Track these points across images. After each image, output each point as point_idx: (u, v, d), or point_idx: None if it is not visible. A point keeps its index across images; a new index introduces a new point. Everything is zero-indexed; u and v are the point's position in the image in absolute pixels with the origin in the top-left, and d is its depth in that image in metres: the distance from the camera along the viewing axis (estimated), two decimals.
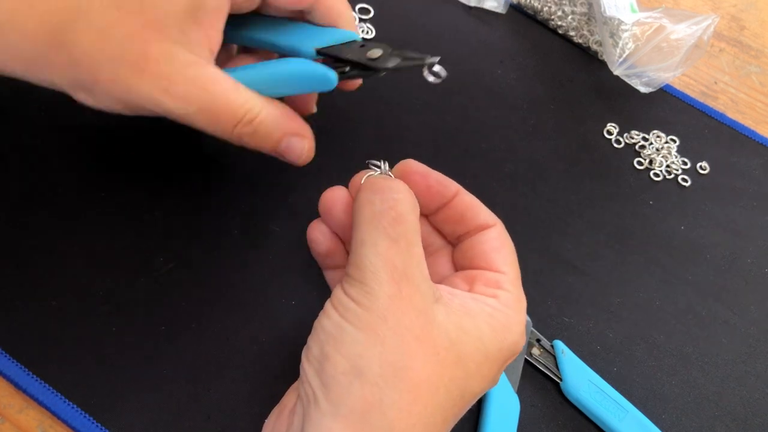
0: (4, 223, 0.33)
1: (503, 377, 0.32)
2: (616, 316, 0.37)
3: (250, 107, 0.28)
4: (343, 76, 0.28)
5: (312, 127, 0.41)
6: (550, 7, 0.49)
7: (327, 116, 0.41)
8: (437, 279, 0.29)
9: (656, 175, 0.43)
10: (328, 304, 0.25)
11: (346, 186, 0.29)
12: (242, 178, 0.37)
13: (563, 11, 0.49)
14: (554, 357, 0.34)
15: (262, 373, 0.31)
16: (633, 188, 0.42)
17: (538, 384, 0.34)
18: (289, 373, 0.32)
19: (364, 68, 0.28)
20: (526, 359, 0.34)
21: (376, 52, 0.28)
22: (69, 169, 0.36)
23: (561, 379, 0.33)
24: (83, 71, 0.27)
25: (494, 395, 0.32)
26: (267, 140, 0.30)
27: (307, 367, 0.24)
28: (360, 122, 0.41)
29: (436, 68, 0.27)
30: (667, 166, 0.43)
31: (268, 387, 0.31)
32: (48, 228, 0.34)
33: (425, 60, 0.27)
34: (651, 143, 0.44)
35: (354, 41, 0.29)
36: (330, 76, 0.27)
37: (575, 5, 0.49)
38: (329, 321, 0.24)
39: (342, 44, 0.29)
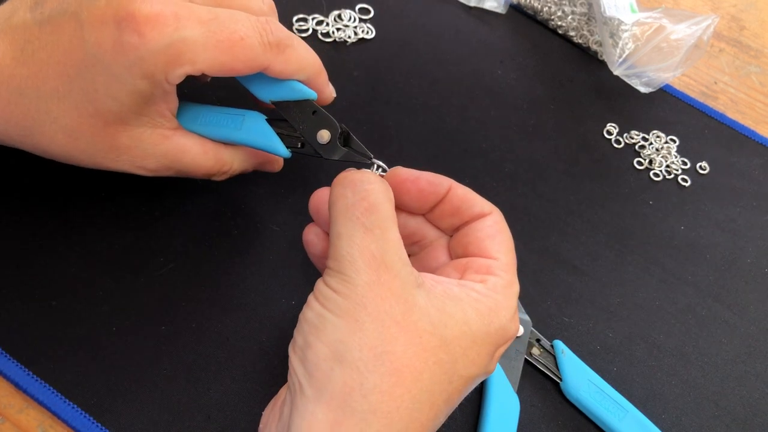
0: (4, 224, 0.33)
1: (503, 377, 0.32)
2: (616, 316, 0.37)
3: (222, 165, 0.32)
4: (296, 150, 0.31)
5: None
6: (550, 7, 0.49)
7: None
8: (431, 269, 0.29)
9: (656, 175, 0.43)
10: (310, 296, 0.25)
11: None
12: (242, 178, 0.37)
13: (563, 11, 0.49)
14: (554, 357, 0.34)
15: (262, 373, 0.31)
16: (633, 188, 0.42)
17: (538, 384, 0.34)
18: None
19: (314, 150, 0.31)
20: (526, 359, 0.34)
21: (324, 135, 0.30)
22: (69, 169, 0.36)
23: (561, 379, 0.33)
24: (63, 160, 0.31)
25: (494, 395, 0.32)
26: (244, 173, 0.34)
27: (292, 356, 0.25)
28: (360, 122, 0.41)
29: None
30: (667, 166, 0.43)
31: (268, 387, 0.31)
32: (48, 228, 0.34)
33: (369, 160, 0.30)
34: (651, 143, 0.44)
35: (307, 101, 0.31)
36: (283, 153, 0.31)
37: (575, 5, 0.49)
38: (311, 311, 0.25)
39: (295, 102, 0.31)
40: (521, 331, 0.34)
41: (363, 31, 0.45)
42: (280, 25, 0.30)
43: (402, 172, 0.28)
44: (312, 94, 0.31)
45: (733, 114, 0.48)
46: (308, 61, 0.32)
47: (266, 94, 0.31)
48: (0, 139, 0.30)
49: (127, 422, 0.29)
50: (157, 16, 0.26)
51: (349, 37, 0.45)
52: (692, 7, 0.55)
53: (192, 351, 0.31)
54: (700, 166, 0.44)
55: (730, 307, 0.38)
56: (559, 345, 0.34)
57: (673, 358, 0.36)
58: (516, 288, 0.27)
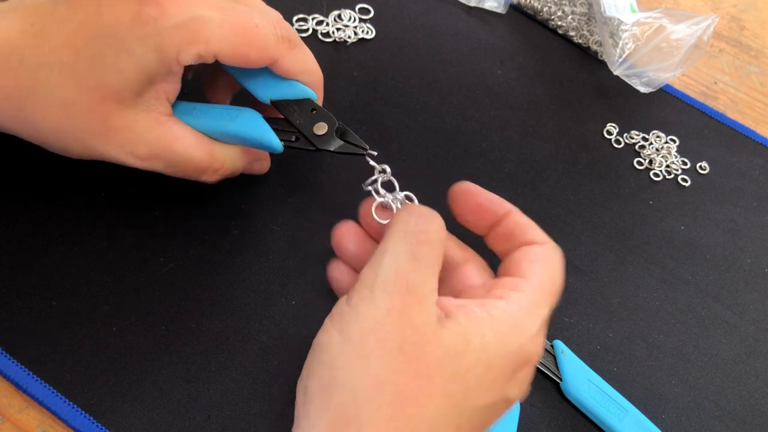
0: (4, 224, 0.33)
1: None
2: (616, 316, 0.37)
3: (213, 161, 0.31)
4: (289, 143, 0.31)
5: None
6: (550, 7, 0.49)
7: None
8: (457, 291, 0.28)
9: (656, 175, 0.43)
10: (326, 319, 0.25)
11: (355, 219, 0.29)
12: (242, 178, 0.37)
13: (563, 11, 0.49)
14: (554, 357, 0.34)
15: (262, 373, 0.31)
16: (633, 188, 0.42)
17: (537, 384, 0.34)
18: (289, 372, 0.32)
19: (308, 142, 0.31)
20: None
21: (321, 128, 0.31)
22: (69, 169, 0.36)
23: (561, 379, 0.33)
24: (52, 140, 0.30)
25: None
26: (233, 174, 0.33)
27: (297, 386, 0.24)
28: (360, 122, 0.41)
29: (387, 168, 0.30)
30: (667, 166, 0.43)
31: (268, 387, 0.31)
32: (48, 228, 0.34)
33: (364, 150, 0.30)
34: (651, 143, 0.44)
35: (307, 100, 0.31)
36: (276, 146, 0.31)
37: (575, 5, 0.49)
38: (324, 334, 0.24)
39: (295, 101, 0.31)
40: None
41: (363, 31, 0.45)
42: (292, 28, 0.31)
43: (466, 184, 0.28)
44: (313, 94, 0.32)
45: (733, 114, 0.48)
46: (314, 65, 0.32)
47: (266, 92, 0.32)
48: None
49: (127, 422, 0.29)
50: None
51: (349, 37, 0.45)
52: (692, 7, 0.55)
53: (192, 351, 0.31)
54: (700, 166, 0.44)
55: (730, 307, 0.38)
56: (559, 345, 0.34)
57: (673, 358, 0.36)
58: (544, 310, 0.25)
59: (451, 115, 0.43)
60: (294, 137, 0.31)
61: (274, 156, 0.38)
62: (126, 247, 0.34)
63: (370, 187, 0.30)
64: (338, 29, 0.45)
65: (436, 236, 0.25)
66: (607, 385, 0.33)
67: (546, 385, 0.34)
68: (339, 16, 0.46)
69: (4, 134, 0.36)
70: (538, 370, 0.34)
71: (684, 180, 0.43)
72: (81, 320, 0.31)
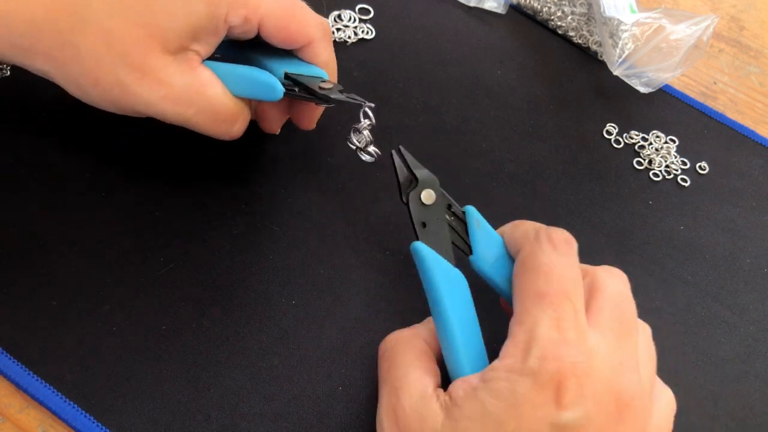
0: (4, 224, 0.33)
1: (440, 259, 0.28)
2: None
3: (237, 111, 0.31)
4: (291, 93, 0.31)
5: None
6: (549, 8, 0.49)
7: (326, 117, 0.41)
8: None
9: (656, 175, 0.43)
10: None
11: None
12: (242, 178, 0.37)
13: (563, 11, 0.49)
14: (464, 224, 0.30)
15: (262, 373, 0.32)
16: (632, 188, 0.42)
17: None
18: (289, 372, 0.32)
19: (310, 92, 0.31)
20: None
21: (327, 84, 0.31)
22: (69, 169, 0.36)
23: (471, 252, 0.30)
24: (85, 70, 0.29)
25: (441, 284, 0.28)
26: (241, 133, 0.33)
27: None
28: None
29: (371, 149, 0.31)
30: (667, 166, 0.43)
31: (268, 387, 0.31)
32: (48, 228, 0.34)
33: (364, 103, 0.31)
34: (650, 143, 0.44)
35: (321, 78, 0.32)
36: (276, 87, 0.30)
37: (575, 5, 0.49)
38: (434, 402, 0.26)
39: (309, 76, 0.32)
40: (433, 195, 0.30)
41: (363, 32, 0.45)
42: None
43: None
44: (325, 75, 0.33)
45: (732, 114, 0.48)
46: (335, 64, 0.35)
47: (283, 67, 0.32)
48: (28, 40, 0.28)
49: (127, 422, 0.29)
50: None
51: (349, 37, 0.45)
52: (692, 7, 0.55)
53: (192, 351, 0.31)
54: (700, 166, 0.44)
55: (730, 307, 0.38)
56: (473, 213, 0.30)
57: (672, 358, 0.36)
58: (527, 365, 0.25)
59: (451, 115, 0.43)
60: (297, 89, 0.31)
61: (274, 156, 0.39)
62: (126, 247, 0.34)
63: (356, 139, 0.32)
64: (338, 29, 0.45)
65: None
66: None
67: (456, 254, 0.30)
68: (339, 16, 0.46)
69: (4, 134, 0.36)
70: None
71: (683, 180, 0.43)
72: (81, 320, 0.31)
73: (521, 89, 0.45)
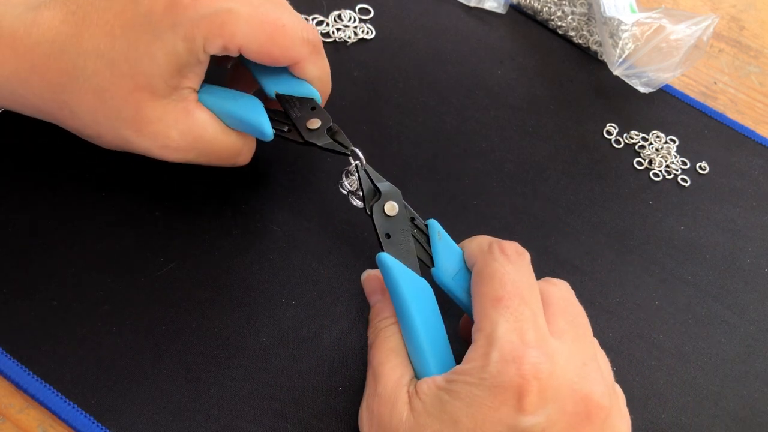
0: (4, 223, 0.33)
1: (405, 269, 0.29)
2: (616, 316, 0.37)
3: (239, 147, 0.32)
4: (280, 135, 0.32)
5: None
6: (549, 8, 0.49)
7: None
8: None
9: (656, 175, 0.43)
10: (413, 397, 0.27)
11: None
12: (242, 178, 0.37)
13: (563, 11, 0.49)
14: (427, 237, 0.31)
15: (263, 373, 0.32)
16: (632, 188, 0.42)
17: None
18: (289, 372, 0.32)
19: (298, 134, 0.32)
20: None
21: (314, 123, 0.32)
22: (69, 169, 0.36)
23: (433, 264, 0.30)
24: (86, 127, 0.31)
25: (407, 292, 0.28)
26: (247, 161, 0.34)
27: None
28: (360, 122, 0.41)
29: (360, 194, 0.31)
30: (667, 166, 0.43)
31: (268, 386, 0.31)
32: (48, 228, 0.34)
33: (348, 149, 0.32)
34: (650, 143, 0.44)
35: (311, 99, 0.33)
36: (265, 132, 0.31)
37: (575, 5, 0.49)
38: (403, 405, 0.27)
39: (299, 98, 0.32)
40: (396, 207, 0.31)
41: (363, 32, 0.45)
42: (318, 33, 0.32)
43: None
44: (317, 95, 0.33)
45: (732, 114, 0.48)
46: (328, 75, 0.34)
47: (274, 86, 0.32)
48: (30, 101, 0.30)
49: (127, 422, 0.29)
50: None
51: (349, 37, 0.45)
52: (692, 7, 0.55)
53: (192, 351, 0.31)
54: (700, 166, 0.44)
55: (730, 307, 0.38)
56: (435, 226, 0.31)
57: (672, 357, 0.36)
58: (494, 350, 0.25)
59: (451, 115, 0.43)
60: (287, 128, 0.32)
61: (275, 156, 0.39)
62: (126, 247, 0.34)
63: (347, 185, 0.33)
64: (338, 29, 0.45)
65: None
66: None
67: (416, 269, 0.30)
68: (339, 16, 0.46)
69: (4, 134, 0.36)
70: None
71: (684, 180, 0.43)
72: (81, 320, 0.31)
73: (521, 89, 0.45)
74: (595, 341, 0.29)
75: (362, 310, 0.34)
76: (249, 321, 0.33)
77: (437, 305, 0.29)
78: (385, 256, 0.29)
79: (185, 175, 0.37)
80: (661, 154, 0.44)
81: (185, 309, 0.33)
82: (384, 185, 0.31)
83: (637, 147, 0.44)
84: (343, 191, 0.33)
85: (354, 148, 0.32)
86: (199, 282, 0.33)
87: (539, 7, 0.49)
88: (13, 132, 0.36)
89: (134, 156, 0.37)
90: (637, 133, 0.45)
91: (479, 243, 0.30)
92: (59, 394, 0.29)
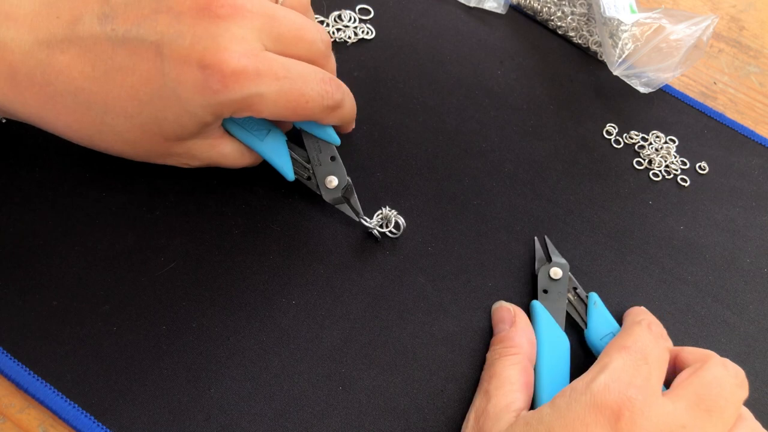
0: (4, 223, 0.33)
1: (549, 317, 0.34)
2: (616, 316, 0.37)
3: (255, 159, 0.35)
4: (301, 179, 0.36)
5: None
6: (549, 8, 0.49)
7: None
8: None
9: (655, 175, 0.43)
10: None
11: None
12: (242, 178, 0.37)
13: (563, 12, 0.49)
14: (585, 306, 0.35)
15: (263, 373, 0.32)
16: (632, 188, 0.42)
17: (566, 329, 0.35)
18: (289, 372, 0.32)
19: (317, 186, 0.35)
20: None
21: (332, 182, 0.35)
22: (69, 169, 0.36)
23: (586, 326, 0.35)
24: (118, 154, 0.33)
25: (544, 335, 0.33)
26: None
27: None
28: (360, 122, 0.41)
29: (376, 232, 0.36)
30: (667, 166, 0.43)
31: (268, 386, 0.31)
32: (48, 228, 0.34)
33: (359, 218, 0.35)
34: (650, 143, 0.44)
35: (332, 146, 0.35)
36: (289, 177, 0.35)
37: (575, 6, 0.49)
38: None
39: (319, 139, 0.35)
40: (560, 273, 0.36)
41: (363, 32, 0.45)
42: (339, 82, 0.33)
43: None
44: (337, 141, 0.35)
45: (732, 114, 0.48)
46: (351, 115, 0.36)
47: (299, 123, 0.35)
48: (56, 132, 0.31)
49: (127, 422, 0.29)
50: (242, 71, 0.28)
51: (349, 37, 0.45)
52: (692, 7, 0.55)
53: (192, 351, 0.31)
54: (700, 166, 0.44)
55: (730, 307, 0.38)
56: (594, 297, 0.36)
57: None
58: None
59: (451, 115, 0.43)
60: (307, 176, 0.36)
61: None
62: (126, 247, 0.34)
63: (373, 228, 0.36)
64: (338, 30, 0.45)
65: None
66: None
67: (570, 330, 0.35)
68: (339, 16, 0.46)
69: (4, 134, 0.36)
70: (568, 314, 0.35)
71: (683, 180, 0.43)
72: (81, 320, 0.31)
73: (521, 89, 0.45)
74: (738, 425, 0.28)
75: (362, 310, 0.34)
76: (249, 321, 0.33)
77: (569, 357, 0.33)
78: (536, 303, 0.35)
79: (186, 176, 0.37)
80: (661, 154, 0.44)
81: (185, 309, 0.33)
82: (558, 259, 0.37)
83: (636, 147, 0.44)
84: (367, 224, 0.35)
85: (363, 218, 0.35)
86: (199, 282, 0.33)
87: (539, 7, 0.49)
88: (14, 132, 0.36)
89: None
90: (636, 133, 0.45)
91: (636, 312, 0.35)
92: (60, 393, 0.29)
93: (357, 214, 0.35)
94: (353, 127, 0.39)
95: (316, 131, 0.35)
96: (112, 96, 0.29)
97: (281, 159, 0.34)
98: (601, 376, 0.27)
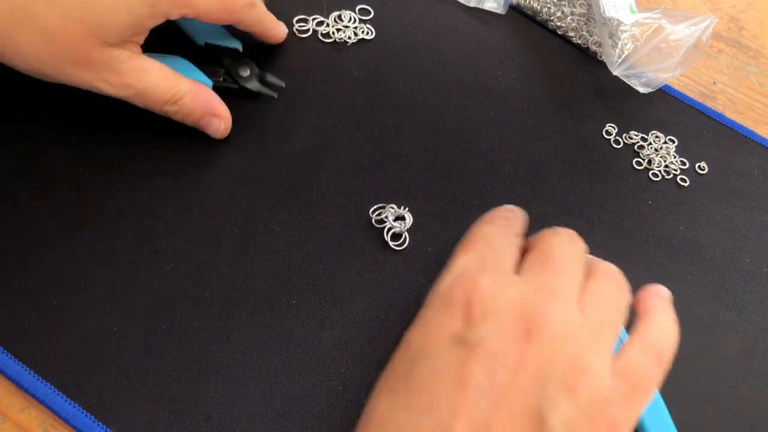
0: (4, 223, 0.33)
1: None
2: None
3: (176, 92, 0.35)
4: (217, 82, 0.39)
5: (312, 127, 0.41)
6: (549, 8, 0.49)
7: (326, 116, 0.41)
8: None
9: (655, 175, 0.43)
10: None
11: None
12: (242, 178, 0.37)
13: (562, 12, 0.49)
14: None
15: (263, 372, 0.32)
16: (632, 188, 0.42)
17: None
18: (289, 372, 0.32)
19: (233, 81, 0.39)
20: None
21: (245, 71, 0.39)
22: (69, 169, 0.36)
23: None
24: (28, 62, 0.31)
25: None
26: (189, 117, 0.36)
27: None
28: (360, 122, 0.41)
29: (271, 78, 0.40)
30: (666, 166, 0.43)
31: (268, 386, 0.31)
32: (48, 228, 0.34)
33: (276, 89, 0.40)
34: (650, 143, 0.44)
35: (235, 49, 0.40)
36: (206, 83, 0.38)
37: (574, 6, 0.49)
38: None
39: (225, 48, 0.40)
40: None
41: (363, 32, 0.45)
42: None
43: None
44: (239, 45, 0.40)
45: (731, 114, 0.48)
46: (268, 20, 0.40)
47: (203, 38, 0.39)
48: None
49: (127, 421, 0.29)
50: None
51: (349, 37, 0.45)
52: (691, 7, 0.55)
53: (192, 350, 0.31)
54: (699, 167, 0.44)
55: (729, 307, 0.38)
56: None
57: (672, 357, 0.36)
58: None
59: (451, 115, 0.43)
60: (222, 78, 0.39)
61: (274, 156, 0.39)
62: (126, 247, 0.34)
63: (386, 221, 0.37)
64: (338, 30, 0.45)
65: None
66: None
67: None
68: (339, 16, 0.46)
69: (4, 133, 0.36)
70: None
71: (683, 180, 0.43)
72: (81, 320, 0.31)
73: (521, 89, 0.46)
74: (604, 285, 0.28)
75: (362, 310, 0.34)
76: (249, 320, 0.33)
77: None
78: None
79: (186, 175, 0.37)
80: (661, 154, 0.44)
81: (185, 309, 0.33)
82: None
83: (636, 147, 0.44)
84: (385, 223, 0.37)
85: (274, 81, 0.40)
86: (199, 282, 0.33)
87: (539, 7, 0.49)
88: (14, 132, 0.36)
89: (135, 155, 0.37)
90: (636, 133, 0.45)
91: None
92: (60, 393, 0.29)
93: (278, 87, 0.40)
94: (282, 30, 0.42)
95: (218, 40, 0.40)
96: None
97: (192, 71, 0.37)
98: (447, 276, 0.27)
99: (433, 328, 0.25)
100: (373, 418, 0.25)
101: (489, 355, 0.23)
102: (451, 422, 0.22)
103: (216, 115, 0.37)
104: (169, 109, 0.35)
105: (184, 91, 0.35)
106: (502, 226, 0.31)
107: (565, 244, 0.29)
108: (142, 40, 0.33)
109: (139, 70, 0.33)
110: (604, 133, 0.45)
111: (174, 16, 0.33)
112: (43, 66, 0.31)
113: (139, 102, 0.34)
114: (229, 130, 0.38)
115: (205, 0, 0.33)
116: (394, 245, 0.36)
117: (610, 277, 0.29)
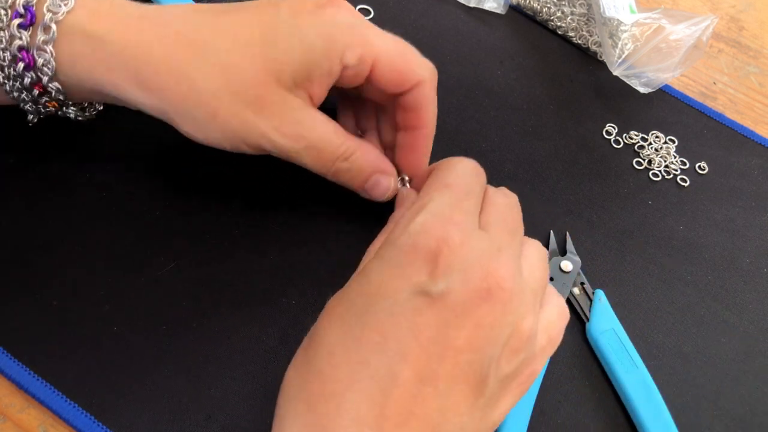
0: (5, 223, 0.33)
1: None
2: (615, 316, 0.37)
3: (348, 146, 0.32)
4: None
5: None
6: (549, 8, 0.49)
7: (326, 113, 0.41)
8: None
9: (655, 175, 0.43)
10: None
11: None
12: (242, 178, 0.37)
13: (562, 12, 0.49)
14: (590, 301, 0.36)
15: (263, 372, 0.32)
16: (632, 188, 0.42)
17: (570, 323, 0.34)
18: None
19: None
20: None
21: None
22: (69, 169, 0.36)
23: (588, 320, 0.35)
24: (202, 104, 0.29)
25: None
26: (359, 176, 0.33)
27: None
28: None
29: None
30: (666, 166, 0.43)
31: (269, 386, 0.31)
32: (48, 228, 0.34)
33: None
34: (650, 143, 0.44)
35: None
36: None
37: (574, 6, 0.49)
38: None
39: None
40: (570, 266, 0.37)
41: None
42: None
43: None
44: None
45: (732, 114, 0.48)
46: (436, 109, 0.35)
47: None
48: (143, 76, 0.29)
49: (127, 421, 0.29)
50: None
51: None
52: (691, 7, 0.55)
53: (192, 350, 0.31)
54: (699, 167, 0.44)
55: (729, 307, 0.38)
56: (600, 293, 0.36)
57: (671, 357, 0.36)
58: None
59: (451, 115, 0.43)
60: None
61: (274, 156, 0.39)
62: (126, 247, 0.34)
63: None
64: None
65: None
66: (628, 340, 0.35)
67: (574, 323, 0.36)
68: None
69: (4, 133, 0.36)
70: (572, 307, 0.36)
71: (683, 180, 0.43)
72: (81, 320, 0.31)
73: (521, 89, 0.46)
74: (533, 251, 0.29)
75: None
76: (249, 320, 0.33)
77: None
78: None
79: (186, 175, 0.37)
80: (661, 154, 0.44)
81: (185, 309, 0.33)
82: (572, 255, 0.38)
83: (636, 147, 0.44)
84: None
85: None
86: (199, 281, 0.33)
87: (539, 7, 0.49)
88: (14, 132, 0.36)
89: (134, 155, 0.37)
90: (636, 133, 0.45)
91: (452, 160, 0.32)
92: (60, 393, 0.29)
93: None
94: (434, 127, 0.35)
95: None
96: (222, 20, 0.30)
97: None
98: (419, 217, 0.26)
99: (397, 271, 0.25)
100: (323, 344, 0.25)
101: (448, 309, 0.24)
102: (401, 366, 0.23)
103: (384, 172, 0.33)
104: (341, 166, 0.32)
105: (356, 146, 0.32)
106: (479, 174, 0.30)
107: (515, 207, 0.30)
108: (315, 91, 0.30)
109: (312, 120, 0.31)
110: (604, 133, 0.45)
111: (352, 59, 0.29)
112: (218, 106, 0.29)
113: (309, 157, 0.31)
114: (395, 190, 0.34)
115: (383, 43, 0.30)
116: None
117: (533, 243, 0.30)
